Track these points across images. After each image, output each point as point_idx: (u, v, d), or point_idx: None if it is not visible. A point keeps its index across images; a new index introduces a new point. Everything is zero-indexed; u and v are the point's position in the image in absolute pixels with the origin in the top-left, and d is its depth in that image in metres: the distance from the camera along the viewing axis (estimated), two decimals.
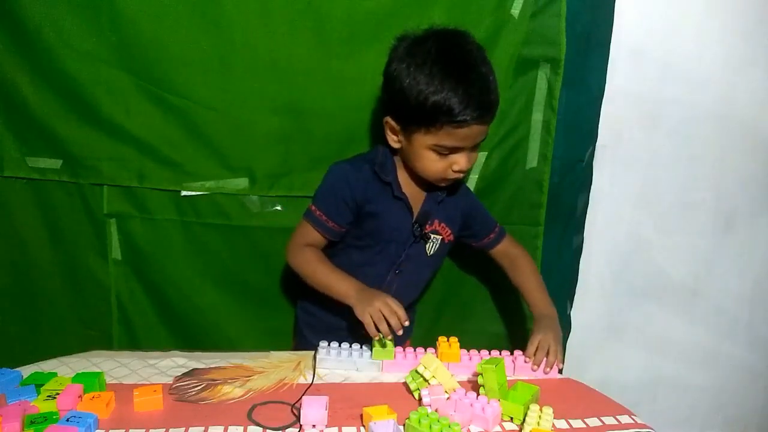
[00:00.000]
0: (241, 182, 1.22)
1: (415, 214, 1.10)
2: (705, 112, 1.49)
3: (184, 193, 1.22)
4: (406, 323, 0.95)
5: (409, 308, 1.20)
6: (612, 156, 1.46)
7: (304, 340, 1.18)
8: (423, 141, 0.98)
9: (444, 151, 0.99)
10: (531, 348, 1.01)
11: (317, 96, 1.18)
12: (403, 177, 1.09)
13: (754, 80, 1.49)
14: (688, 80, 1.46)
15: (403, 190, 1.08)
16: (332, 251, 1.12)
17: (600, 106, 1.35)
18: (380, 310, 0.94)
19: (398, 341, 1.01)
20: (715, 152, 1.53)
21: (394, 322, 0.94)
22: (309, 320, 1.20)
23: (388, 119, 1.02)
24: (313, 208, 1.07)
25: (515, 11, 1.20)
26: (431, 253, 1.13)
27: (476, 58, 0.98)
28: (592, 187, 1.44)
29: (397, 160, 1.09)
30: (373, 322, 0.94)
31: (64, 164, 1.19)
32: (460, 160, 1.00)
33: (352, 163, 1.08)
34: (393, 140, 1.04)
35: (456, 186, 1.13)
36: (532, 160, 1.31)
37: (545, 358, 1.00)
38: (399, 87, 0.97)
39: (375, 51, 1.16)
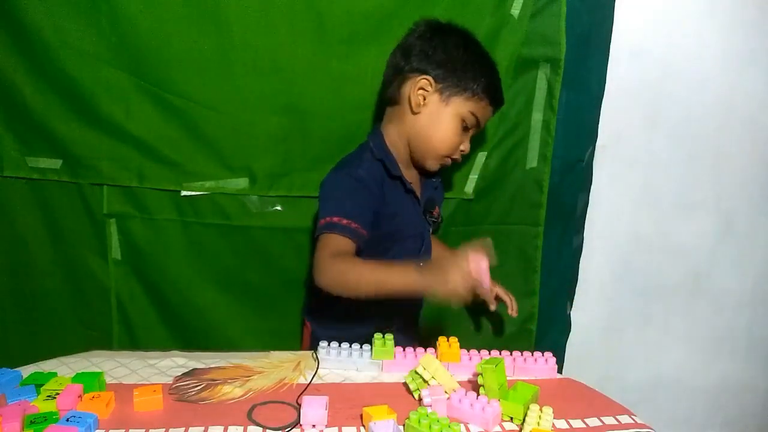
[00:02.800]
0: (241, 182, 1.22)
1: (422, 203, 1.11)
2: (705, 112, 1.49)
3: (184, 193, 1.22)
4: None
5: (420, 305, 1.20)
6: (612, 156, 1.46)
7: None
8: (462, 106, 1.03)
9: (470, 123, 1.04)
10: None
11: (317, 96, 1.18)
12: (403, 167, 1.08)
13: (754, 80, 1.49)
14: (688, 80, 1.46)
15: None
16: None
17: (600, 106, 1.35)
18: (468, 272, 0.84)
19: (402, 342, 1.00)
20: (715, 152, 1.53)
21: (484, 280, 0.84)
22: (329, 334, 1.10)
23: (425, 78, 1.02)
24: (329, 218, 0.97)
25: (515, 11, 1.20)
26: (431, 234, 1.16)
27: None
28: (592, 187, 1.44)
29: (400, 150, 1.08)
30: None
31: (64, 164, 1.19)
32: (467, 142, 1.07)
33: (361, 164, 1.03)
34: (417, 103, 1.03)
35: (433, 174, 1.16)
36: (532, 160, 1.31)
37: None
38: (456, 52, 1.02)
39: (375, 51, 1.16)
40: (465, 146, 1.08)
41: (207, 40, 1.13)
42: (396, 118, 1.08)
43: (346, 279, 0.93)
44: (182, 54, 1.13)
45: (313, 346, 1.11)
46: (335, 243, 0.96)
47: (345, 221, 0.96)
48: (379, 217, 1.02)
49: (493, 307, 1.10)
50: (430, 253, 1.17)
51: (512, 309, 1.18)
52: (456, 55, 1.03)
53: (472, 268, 0.84)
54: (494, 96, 1.06)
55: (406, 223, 1.08)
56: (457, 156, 1.09)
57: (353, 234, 0.96)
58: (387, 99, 1.10)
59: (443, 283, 0.86)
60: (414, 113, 1.05)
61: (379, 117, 1.17)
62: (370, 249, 1.02)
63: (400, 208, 1.07)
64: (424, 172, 1.12)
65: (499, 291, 1.19)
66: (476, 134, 1.10)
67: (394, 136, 1.08)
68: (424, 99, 1.03)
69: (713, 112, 1.49)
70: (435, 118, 1.03)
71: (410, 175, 1.10)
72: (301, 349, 1.26)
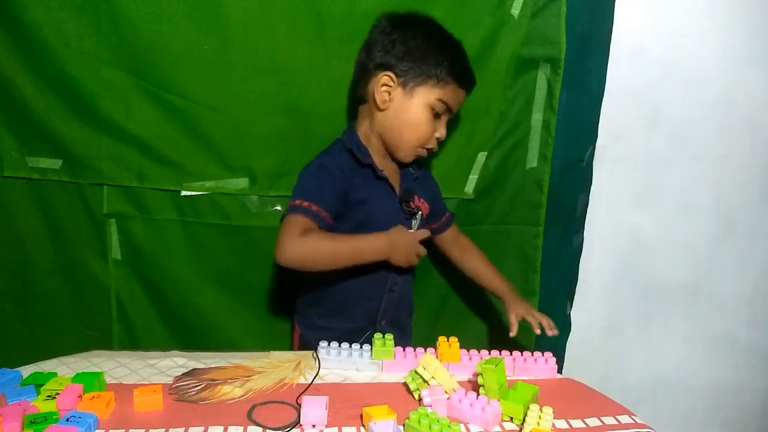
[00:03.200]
0: (241, 182, 1.22)
1: (399, 193, 1.11)
2: (705, 112, 1.49)
3: (184, 193, 1.22)
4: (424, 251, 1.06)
5: (410, 294, 1.20)
6: (612, 156, 1.47)
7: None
8: (428, 95, 1.03)
9: (440, 110, 1.04)
10: (533, 319, 1.11)
11: (317, 96, 1.18)
12: (377, 158, 1.09)
13: (754, 80, 1.49)
14: (688, 80, 1.46)
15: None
16: None
17: (600, 106, 1.35)
18: (409, 250, 1.04)
19: (401, 342, 1.01)
20: (715, 152, 1.53)
21: (420, 251, 1.06)
22: (316, 335, 1.13)
23: (386, 74, 1.03)
24: (298, 201, 1.01)
25: (515, 11, 1.20)
26: (415, 229, 1.13)
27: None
28: (592, 187, 1.44)
29: (372, 142, 1.10)
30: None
31: (64, 164, 1.19)
32: (441, 129, 1.07)
33: (328, 154, 1.09)
34: (383, 100, 1.05)
35: (419, 165, 1.17)
36: (532, 160, 1.31)
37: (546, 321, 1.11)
38: (414, 42, 1.03)
39: None
40: (440, 133, 1.08)
41: (207, 40, 1.13)
42: (367, 116, 1.10)
43: (316, 253, 0.99)
44: (182, 54, 1.13)
45: (302, 347, 1.12)
46: (298, 222, 0.99)
47: (306, 203, 1.01)
48: (348, 204, 1.05)
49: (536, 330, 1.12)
50: None
51: (550, 328, 1.12)
52: (415, 45, 1.03)
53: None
54: (461, 77, 1.05)
55: (377, 211, 1.08)
56: (432, 144, 1.09)
57: (313, 215, 1.00)
58: (357, 97, 1.13)
59: (398, 260, 1.03)
60: (381, 110, 1.06)
61: (353, 115, 1.17)
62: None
63: (370, 195, 1.07)
64: (400, 164, 1.12)
65: (537, 317, 1.14)
66: (451, 118, 1.10)
67: (367, 132, 1.10)
68: (389, 95, 1.05)
69: (713, 112, 1.50)
70: (402, 112, 1.05)
71: (386, 166, 1.10)
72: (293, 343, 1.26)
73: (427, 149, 1.09)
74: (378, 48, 1.05)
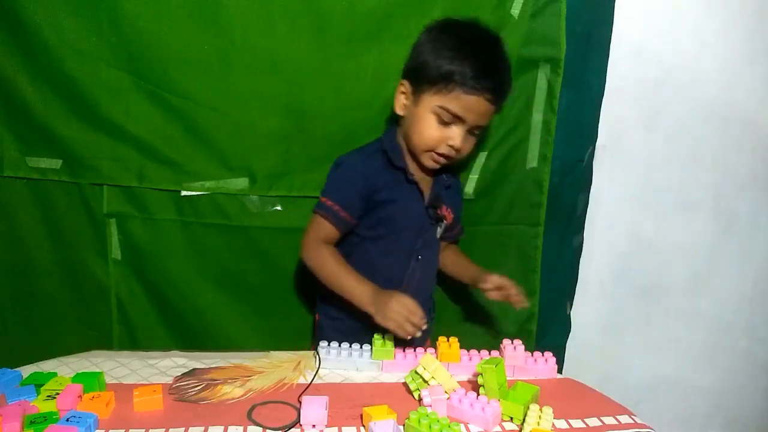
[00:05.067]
0: (241, 182, 1.22)
1: (426, 198, 1.12)
2: (705, 112, 1.49)
3: (184, 193, 1.22)
4: (425, 324, 0.97)
5: (429, 299, 1.21)
6: (612, 156, 1.46)
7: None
8: (430, 102, 1.02)
9: (446, 118, 1.02)
10: (504, 280, 1.10)
11: (317, 96, 1.18)
12: (411, 163, 1.11)
13: (754, 80, 1.49)
14: (688, 80, 1.46)
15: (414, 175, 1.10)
16: (348, 248, 1.12)
17: (600, 106, 1.35)
18: (399, 312, 0.95)
19: (418, 341, 1.01)
20: (715, 152, 1.53)
21: (415, 320, 0.95)
22: (333, 324, 1.17)
23: (403, 81, 1.06)
24: (324, 199, 1.07)
25: (515, 11, 1.20)
26: (439, 236, 1.16)
27: (501, 47, 1.06)
28: (592, 187, 1.44)
29: (404, 146, 1.11)
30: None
31: (64, 164, 1.19)
32: (455, 136, 1.03)
33: (362, 153, 1.11)
34: (400, 104, 1.08)
35: (452, 174, 1.18)
36: (532, 160, 1.31)
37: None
38: (425, 50, 1.03)
39: (375, 51, 1.16)
40: (454, 141, 1.03)
41: (207, 40, 1.13)
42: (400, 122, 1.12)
43: (320, 270, 1.07)
44: (182, 54, 1.13)
45: (318, 336, 1.14)
46: (321, 226, 1.07)
47: (336, 207, 1.06)
48: (372, 202, 1.08)
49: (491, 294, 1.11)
50: (433, 251, 1.17)
51: (519, 300, 1.11)
52: (424, 52, 1.03)
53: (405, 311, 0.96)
54: (472, 84, 0.99)
55: (403, 213, 1.10)
56: (443, 150, 1.05)
57: (338, 220, 1.06)
58: None
59: (382, 319, 0.97)
60: (401, 116, 1.09)
61: (380, 117, 1.19)
62: (369, 232, 1.11)
63: (398, 196, 1.09)
64: (426, 170, 1.12)
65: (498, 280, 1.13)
66: (473, 128, 1.04)
67: (399, 136, 1.12)
68: (406, 100, 1.07)
69: (713, 112, 1.49)
70: (413, 119, 1.06)
71: (418, 170, 1.12)
72: (311, 337, 1.27)
73: (443, 155, 1.06)
74: (411, 52, 1.07)
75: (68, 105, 1.15)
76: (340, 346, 0.99)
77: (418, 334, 0.96)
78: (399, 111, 1.08)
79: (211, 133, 1.19)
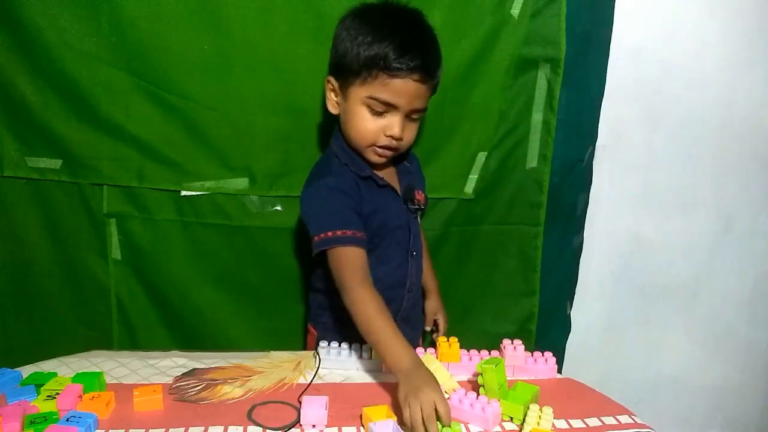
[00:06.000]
0: (241, 182, 1.22)
1: (401, 192, 1.08)
2: (705, 112, 1.49)
3: (184, 193, 1.22)
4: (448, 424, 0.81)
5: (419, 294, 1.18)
6: (612, 156, 1.46)
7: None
8: (358, 94, 0.96)
9: (378, 107, 0.95)
10: (441, 320, 1.20)
11: (317, 96, 1.18)
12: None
13: (754, 80, 1.49)
14: (688, 80, 1.46)
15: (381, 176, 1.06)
16: None
17: (600, 106, 1.35)
18: (422, 407, 0.79)
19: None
20: (715, 152, 1.53)
21: (431, 429, 0.78)
22: (334, 337, 1.08)
23: (330, 78, 1.01)
24: (324, 234, 0.95)
25: (515, 11, 1.20)
26: (419, 221, 1.13)
27: (422, 22, 0.99)
28: (592, 187, 1.44)
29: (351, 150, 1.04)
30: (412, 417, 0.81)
31: (63, 164, 1.19)
32: (393, 125, 0.96)
33: (331, 174, 1.02)
34: (332, 103, 1.02)
35: (405, 156, 1.10)
36: (532, 160, 1.31)
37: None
38: (343, 41, 0.96)
39: None
40: (392, 131, 0.97)
41: (207, 40, 1.13)
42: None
43: (360, 317, 0.91)
44: (182, 54, 1.13)
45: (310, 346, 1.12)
46: (351, 258, 0.95)
47: (345, 232, 0.95)
48: (362, 217, 1.01)
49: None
50: (420, 241, 1.14)
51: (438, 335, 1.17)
52: (343, 43, 0.96)
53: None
54: (395, 65, 0.92)
55: (390, 217, 1.06)
56: (384, 142, 0.98)
57: (358, 242, 0.96)
58: None
59: (403, 398, 0.81)
60: (336, 114, 1.04)
61: None
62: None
63: (380, 204, 1.04)
64: (385, 165, 1.07)
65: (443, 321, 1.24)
66: (411, 112, 0.97)
67: (345, 140, 1.05)
68: (336, 97, 1.02)
69: (713, 112, 1.49)
70: (346, 116, 1.00)
71: (381, 169, 1.07)
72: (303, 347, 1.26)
73: (386, 148, 1.00)
74: (332, 46, 1.00)
75: (68, 105, 1.15)
76: (340, 346, 0.99)
77: None
78: (333, 110, 1.02)
79: (211, 133, 1.19)
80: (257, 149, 1.21)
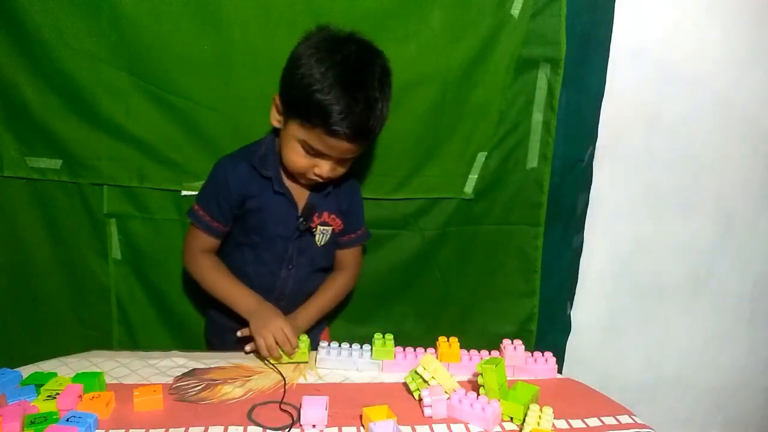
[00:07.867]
0: None
1: (300, 207, 1.08)
2: (705, 111, 1.49)
3: (184, 193, 1.22)
4: (296, 350, 0.98)
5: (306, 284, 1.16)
6: (612, 156, 1.46)
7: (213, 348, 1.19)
8: (295, 132, 0.97)
9: (311, 151, 0.98)
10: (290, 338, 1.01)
11: None
12: (286, 173, 1.06)
13: (754, 80, 1.49)
14: (688, 80, 1.46)
15: (287, 184, 1.06)
16: (226, 249, 1.13)
17: (600, 106, 1.35)
18: (274, 335, 0.97)
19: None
20: (715, 152, 1.53)
21: (287, 349, 0.97)
22: (216, 331, 1.19)
23: (276, 96, 1.01)
24: (197, 207, 1.08)
25: (515, 11, 1.20)
26: (322, 243, 1.12)
27: (375, 81, 0.96)
28: (592, 187, 1.44)
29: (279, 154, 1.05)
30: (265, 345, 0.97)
31: (64, 164, 1.19)
32: (323, 167, 0.99)
33: (231, 159, 1.08)
34: (275, 119, 1.02)
35: (345, 178, 1.09)
36: (532, 160, 1.31)
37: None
38: (294, 71, 0.95)
39: None
40: (320, 170, 0.99)
41: (207, 40, 1.13)
42: None
43: (203, 279, 1.09)
44: (182, 54, 1.13)
45: (210, 328, 1.21)
46: (198, 237, 1.09)
47: (207, 218, 1.07)
48: (243, 209, 1.07)
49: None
50: (309, 261, 1.12)
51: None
52: (303, 80, 0.93)
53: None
54: (331, 129, 0.92)
55: (273, 221, 1.07)
56: (313, 177, 1.01)
57: (211, 231, 1.08)
58: None
59: (255, 330, 0.99)
60: (276, 128, 1.04)
61: None
62: (243, 237, 1.11)
63: (266, 206, 1.06)
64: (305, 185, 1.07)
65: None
66: (341, 160, 1.00)
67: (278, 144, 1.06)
68: (279, 116, 1.01)
69: (713, 112, 1.49)
70: (282, 139, 1.01)
71: (294, 180, 1.07)
72: (204, 339, 1.26)
73: (317, 177, 1.01)
74: (286, 63, 0.99)
75: (68, 105, 1.15)
76: (340, 346, 0.99)
77: (278, 355, 0.98)
78: (275, 124, 1.03)
79: (211, 133, 1.19)
80: None
